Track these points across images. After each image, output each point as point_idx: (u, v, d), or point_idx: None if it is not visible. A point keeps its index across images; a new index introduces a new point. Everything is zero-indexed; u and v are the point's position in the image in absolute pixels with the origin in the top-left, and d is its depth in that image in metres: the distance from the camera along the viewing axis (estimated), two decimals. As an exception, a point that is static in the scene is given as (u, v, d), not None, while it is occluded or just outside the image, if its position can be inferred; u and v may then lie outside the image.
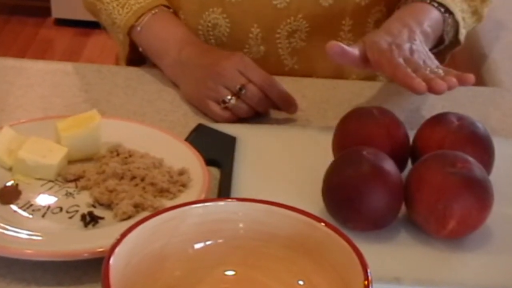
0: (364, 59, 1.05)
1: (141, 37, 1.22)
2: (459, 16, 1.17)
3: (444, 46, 1.21)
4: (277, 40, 1.25)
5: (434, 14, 1.15)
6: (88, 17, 1.33)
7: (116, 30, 1.23)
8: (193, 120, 1.14)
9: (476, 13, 1.21)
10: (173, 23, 1.21)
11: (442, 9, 1.16)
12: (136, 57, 1.26)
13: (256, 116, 1.15)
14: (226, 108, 1.12)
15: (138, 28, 1.21)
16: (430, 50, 1.15)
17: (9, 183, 0.98)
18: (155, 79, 1.24)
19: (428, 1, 1.16)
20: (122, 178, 0.98)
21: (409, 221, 0.94)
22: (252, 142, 1.09)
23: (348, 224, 0.92)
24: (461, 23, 1.18)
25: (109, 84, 1.23)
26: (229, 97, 1.11)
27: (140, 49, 1.23)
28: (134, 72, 1.26)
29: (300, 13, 1.21)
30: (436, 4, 1.16)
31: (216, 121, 1.13)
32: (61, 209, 0.94)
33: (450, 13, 1.17)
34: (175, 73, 1.20)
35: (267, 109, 1.15)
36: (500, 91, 1.29)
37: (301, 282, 0.79)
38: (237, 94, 1.11)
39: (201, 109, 1.16)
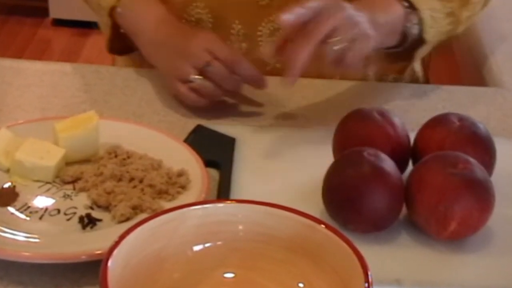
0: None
1: (121, 18, 1.23)
2: (426, 13, 1.13)
3: (408, 44, 1.17)
4: (259, 38, 1.25)
5: (395, 8, 1.13)
6: (87, 17, 1.33)
7: (102, 13, 1.24)
8: (192, 121, 1.14)
9: (452, 16, 1.17)
10: (151, 2, 1.22)
11: (406, 4, 1.13)
12: (121, 45, 1.26)
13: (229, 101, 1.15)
14: (192, 88, 1.13)
15: (119, 9, 1.22)
16: (393, 47, 1.14)
17: (6, 185, 0.98)
18: (154, 79, 1.24)
19: None
20: (120, 179, 0.98)
21: (409, 222, 0.94)
22: (252, 143, 1.09)
23: (349, 226, 0.91)
24: (428, 22, 1.14)
25: (108, 85, 1.23)
26: (193, 75, 1.12)
27: (122, 30, 1.24)
28: (133, 72, 1.26)
29: (282, 11, 1.21)
30: None
31: (185, 104, 1.15)
32: (58, 211, 0.94)
33: (415, 9, 1.14)
34: (150, 52, 1.20)
35: (235, 87, 1.15)
36: (501, 92, 1.29)
37: (301, 285, 0.79)
38: (203, 73, 1.12)
39: (171, 91, 1.17)
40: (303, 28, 1.03)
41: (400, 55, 1.19)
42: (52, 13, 3.42)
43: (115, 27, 1.24)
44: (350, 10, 1.04)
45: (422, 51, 1.18)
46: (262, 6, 1.22)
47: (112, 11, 1.22)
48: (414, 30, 1.14)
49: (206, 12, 1.23)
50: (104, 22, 1.26)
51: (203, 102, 1.14)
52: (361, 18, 1.05)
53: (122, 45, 1.25)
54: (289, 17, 1.01)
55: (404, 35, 1.15)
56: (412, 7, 1.14)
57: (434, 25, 1.14)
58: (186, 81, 1.13)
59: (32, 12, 3.49)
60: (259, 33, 1.24)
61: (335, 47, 1.03)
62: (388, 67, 1.28)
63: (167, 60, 1.16)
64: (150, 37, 1.19)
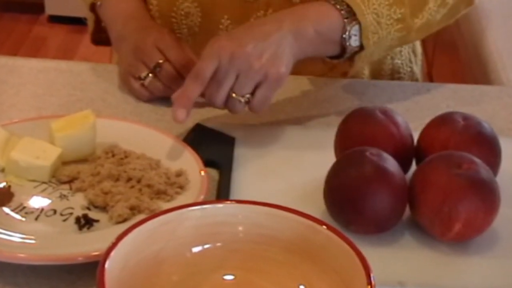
0: None
1: (101, 12, 1.26)
2: (368, 18, 1.10)
3: (349, 54, 1.13)
4: None
5: (331, 18, 1.10)
6: (83, 13, 1.33)
7: (84, 6, 1.27)
8: (191, 120, 1.14)
9: (402, 22, 1.13)
10: None
11: (344, 12, 1.10)
12: (106, 37, 1.28)
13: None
14: (143, 85, 1.16)
15: (98, 3, 1.25)
16: (334, 57, 1.13)
17: (1, 185, 0.98)
18: (152, 77, 1.24)
19: (333, 1, 1.10)
20: (117, 179, 0.98)
21: (413, 223, 0.94)
22: (252, 142, 1.09)
23: (351, 227, 0.92)
24: (370, 28, 1.11)
25: (105, 83, 1.23)
26: (145, 74, 1.15)
27: (103, 24, 1.26)
28: (130, 70, 1.26)
29: (270, 8, 1.22)
30: (338, 6, 1.10)
31: (138, 98, 1.18)
32: (54, 211, 0.94)
33: (355, 15, 1.11)
34: (116, 47, 1.23)
35: None
36: (506, 90, 1.29)
37: (302, 287, 0.79)
38: (153, 72, 1.15)
39: (124, 86, 1.20)
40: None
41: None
42: (47, 9, 3.43)
43: (98, 21, 1.26)
44: (250, 55, 1.03)
45: (364, 57, 1.13)
46: (250, 2, 1.22)
47: (94, 5, 1.25)
48: (354, 42, 1.11)
49: (195, 6, 1.24)
50: (88, 16, 1.30)
51: (155, 98, 1.17)
52: (263, 57, 1.03)
53: (106, 37, 1.27)
54: (182, 115, 1.03)
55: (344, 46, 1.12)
56: (352, 14, 1.10)
57: (379, 31, 1.11)
58: (138, 78, 1.17)
59: (27, 8, 3.49)
60: None
61: (241, 100, 1.04)
62: (331, 68, 1.26)
63: (125, 55, 1.19)
64: (118, 31, 1.22)
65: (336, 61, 1.14)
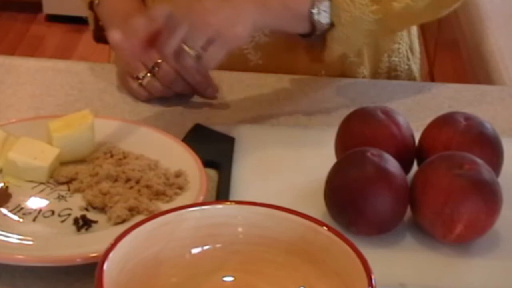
0: None
1: (98, 11, 1.26)
2: None
3: (319, 32, 1.12)
4: None
5: None
6: (81, 12, 1.34)
7: (84, 5, 1.28)
8: (190, 120, 1.14)
9: (378, 3, 1.11)
10: None
11: None
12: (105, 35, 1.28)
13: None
14: (141, 85, 1.16)
15: (96, 1, 1.25)
16: (306, 35, 1.12)
17: (-2, 186, 0.98)
18: (151, 77, 1.24)
19: None
20: (116, 180, 0.98)
21: (414, 225, 0.94)
22: (252, 142, 1.09)
23: (352, 228, 0.92)
24: (342, 5, 1.09)
25: (103, 83, 1.23)
26: (143, 73, 1.16)
27: (101, 23, 1.26)
28: (129, 70, 1.26)
29: None
30: None
31: (137, 98, 1.18)
32: (53, 212, 0.94)
33: None
34: (114, 47, 1.22)
35: (184, 91, 1.18)
36: (509, 90, 1.29)
37: (302, 289, 0.79)
38: (151, 72, 1.15)
39: (123, 86, 1.20)
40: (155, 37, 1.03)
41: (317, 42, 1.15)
42: (45, 8, 3.43)
43: (97, 19, 1.27)
44: (206, 9, 1.02)
45: (339, 38, 1.12)
46: None
47: (92, 4, 1.25)
48: (323, 19, 1.10)
49: None
50: (87, 14, 1.30)
51: (154, 98, 1.17)
52: (220, 14, 1.03)
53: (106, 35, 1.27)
54: (117, 35, 1.01)
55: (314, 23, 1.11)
56: None
57: (352, 9, 1.10)
58: (136, 77, 1.17)
59: (25, 7, 3.49)
60: None
61: (191, 53, 1.03)
62: (314, 58, 1.25)
63: (122, 55, 1.18)
64: None
65: (312, 39, 1.12)
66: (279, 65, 1.27)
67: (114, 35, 1.01)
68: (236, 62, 1.24)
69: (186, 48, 1.02)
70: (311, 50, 1.15)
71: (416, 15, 1.17)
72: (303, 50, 1.18)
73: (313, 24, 1.10)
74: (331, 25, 1.10)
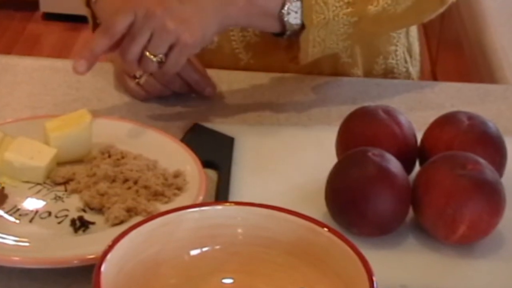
0: None
1: (96, 9, 1.25)
2: None
3: (290, 32, 1.12)
4: (230, 32, 1.25)
5: None
6: (79, 11, 1.34)
7: (82, 3, 1.27)
8: (189, 119, 1.14)
9: (353, 5, 1.11)
10: None
11: None
12: None
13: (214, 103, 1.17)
14: (139, 84, 1.17)
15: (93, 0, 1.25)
16: (279, 34, 1.12)
17: (-5, 186, 0.98)
18: (149, 76, 1.24)
19: None
20: (114, 181, 0.98)
21: (416, 225, 0.94)
22: (251, 142, 1.09)
23: (353, 229, 0.92)
24: (315, 6, 1.09)
25: (101, 82, 1.23)
26: (140, 72, 1.15)
27: (98, 21, 1.25)
28: (127, 69, 1.26)
29: None
30: None
31: (134, 98, 1.18)
32: (49, 213, 0.94)
33: None
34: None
35: (181, 89, 1.18)
36: (512, 89, 1.29)
37: (303, 291, 0.79)
38: None
39: (120, 85, 1.20)
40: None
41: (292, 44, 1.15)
42: (42, 6, 3.43)
43: (95, 16, 1.26)
44: (165, 14, 1.03)
45: (313, 41, 1.12)
46: None
47: (89, 1, 1.25)
48: (293, 20, 1.10)
49: None
50: (85, 11, 1.29)
51: (152, 98, 1.18)
52: (179, 18, 1.03)
53: None
54: (82, 67, 1.03)
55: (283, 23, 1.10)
56: None
57: (325, 11, 1.09)
58: (134, 77, 1.17)
59: (22, 5, 3.49)
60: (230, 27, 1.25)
61: (153, 59, 1.04)
62: (291, 59, 1.25)
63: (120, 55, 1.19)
64: None
65: (283, 38, 1.12)
66: (270, 65, 1.27)
67: (78, 67, 1.02)
68: (227, 62, 1.25)
69: (148, 54, 1.04)
70: (290, 50, 1.15)
71: (395, 20, 1.16)
72: (283, 48, 1.18)
73: (283, 24, 1.10)
74: (303, 26, 1.10)
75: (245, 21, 1.10)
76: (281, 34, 1.13)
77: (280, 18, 1.09)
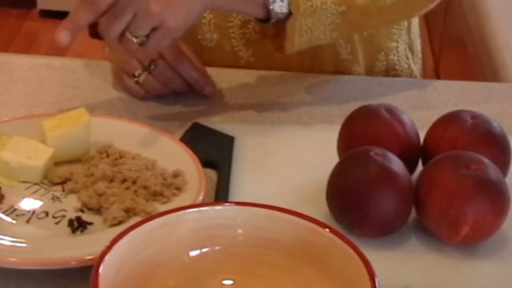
0: None
1: None
2: None
3: (275, 20, 1.11)
4: (230, 29, 1.26)
5: None
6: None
7: None
8: (189, 118, 1.14)
9: None
10: None
11: None
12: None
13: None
14: (138, 83, 1.17)
15: None
16: (263, 20, 1.12)
17: (-9, 186, 0.98)
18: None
19: None
20: (112, 180, 0.98)
21: (419, 226, 0.94)
22: (252, 142, 1.09)
23: (354, 230, 0.92)
24: None
25: (99, 80, 1.23)
26: (139, 71, 1.16)
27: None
28: (125, 67, 1.26)
29: None
30: None
31: (133, 97, 1.18)
32: (47, 214, 0.94)
33: None
34: (109, 43, 1.23)
35: (180, 88, 1.18)
36: (517, 87, 1.29)
37: (304, 292, 0.80)
38: (148, 69, 1.16)
39: (119, 84, 1.20)
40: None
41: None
42: (39, 3, 3.43)
43: None
44: None
45: (300, 29, 1.11)
46: None
47: None
48: (278, 8, 1.09)
49: None
50: None
51: (151, 97, 1.18)
52: (165, 2, 1.02)
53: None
54: (65, 38, 1.02)
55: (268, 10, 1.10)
56: None
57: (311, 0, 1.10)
58: (132, 75, 1.17)
59: (19, 2, 3.49)
60: (230, 24, 1.25)
61: (134, 40, 1.03)
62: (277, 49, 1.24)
63: (117, 52, 1.19)
64: None
65: (267, 24, 1.12)
66: (270, 63, 1.27)
67: (62, 37, 1.01)
68: (226, 60, 1.25)
69: (129, 35, 1.03)
70: (276, 39, 1.15)
71: (384, 12, 1.16)
72: (270, 38, 1.17)
73: (268, 11, 1.10)
74: (290, 14, 1.10)
75: (228, 5, 1.10)
76: (265, 20, 1.12)
77: (265, 5, 1.09)
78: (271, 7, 1.09)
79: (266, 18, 1.11)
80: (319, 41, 1.16)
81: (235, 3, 1.10)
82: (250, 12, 1.12)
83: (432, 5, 1.20)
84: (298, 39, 1.13)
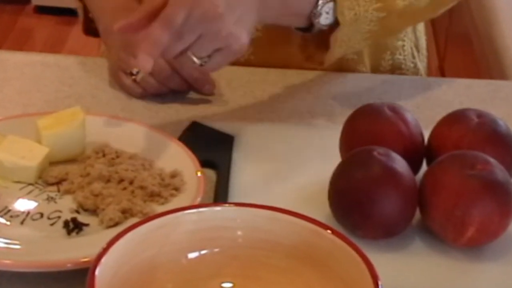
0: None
1: (88, 2, 1.26)
2: None
3: (317, 31, 1.13)
4: None
5: None
6: (72, 4, 1.34)
7: None
8: (187, 117, 1.14)
9: (382, 0, 1.12)
10: None
11: None
12: (96, 28, 1.28)
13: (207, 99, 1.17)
14: (135, 81, 1.16)
15: None
16: (301, 29, 1.13)
17: (-16, 187, 0.98)
18: (145, 72, 1.24)
19: None
20: (108, 181, 0.98)
21: (423, 228, 0.95)
22: (252, 141, 1.09)
23: (357, 232, 0.92)
24: (346, 2, 1.10)
25: (95, 78, 1.23)
26: (136, 69, 1.14)
27: (90, 15, 1.26)
28: (122, 64, 1.26)
29: None
30: None
31: (130, 95, 1.18)
32: (41, 215, 0.95)
33: None
34: (105, 39, 1.24)
35: (179, 87, 1.18)
36: (524, 86, 1.30)
37: (305, 295, 0.80)
38: None
39: (116, 82, 1.20)
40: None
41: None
42: (34, -1, 3.43)
43: (87, 10, 1.27)
44: (220, 18, 1.00)
45: (341, 41, 1.13)
46: None
47: None
48: (323, 20, 1.11)
49: None
50: (77, 5, 1.30)
51: (149, 95, 1.18)
52: (232, 23, 1.01)
53: (97, 28, 1.27)
54: (149, 64, 0.99)
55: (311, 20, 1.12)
56: None
57: (356, 7, 1.11)
58: (130, 73, 1.16)
59: (13, -2, 3.49)
60: None
61: (196, 61, 1.03)
62: (308, 57, 1.25)
63: (114, 49, 1.19)
64: (106, 23, 1.21)
65: (306, 34, 1.13)
66: (271, 61, 1.27)
67: (146, 64, 0.98)
68: None
69: (191, 55, 1.02)
70: (306, 48, 1.15)
71: (417, 14, 1.18)
72: (297, 46, 1.18)
73: (312, 22, 1.11)
74: (331, 26, 1.11)
75: (274, 20, 1.11)
76: (303, 28, 1.13)
77: (311, 18, 1.10)
78: (316, 20, 1.10)
79: (307, 27, 1.12)
80: (353, 49, 1.17)
81: (282, 17, 1.11)
82: (294, 24, 1.13)
83: (455, 2, 1.21)
84: (338, 50, 1.14)
